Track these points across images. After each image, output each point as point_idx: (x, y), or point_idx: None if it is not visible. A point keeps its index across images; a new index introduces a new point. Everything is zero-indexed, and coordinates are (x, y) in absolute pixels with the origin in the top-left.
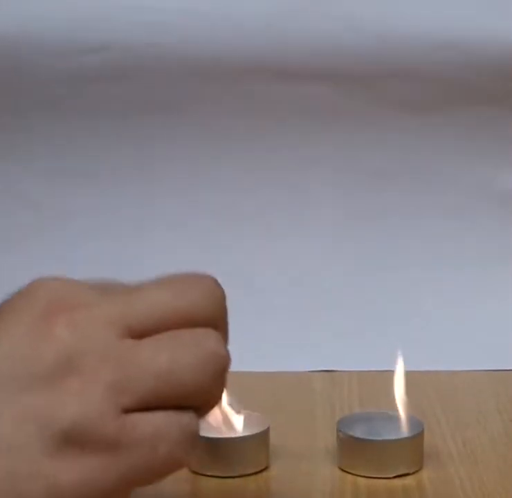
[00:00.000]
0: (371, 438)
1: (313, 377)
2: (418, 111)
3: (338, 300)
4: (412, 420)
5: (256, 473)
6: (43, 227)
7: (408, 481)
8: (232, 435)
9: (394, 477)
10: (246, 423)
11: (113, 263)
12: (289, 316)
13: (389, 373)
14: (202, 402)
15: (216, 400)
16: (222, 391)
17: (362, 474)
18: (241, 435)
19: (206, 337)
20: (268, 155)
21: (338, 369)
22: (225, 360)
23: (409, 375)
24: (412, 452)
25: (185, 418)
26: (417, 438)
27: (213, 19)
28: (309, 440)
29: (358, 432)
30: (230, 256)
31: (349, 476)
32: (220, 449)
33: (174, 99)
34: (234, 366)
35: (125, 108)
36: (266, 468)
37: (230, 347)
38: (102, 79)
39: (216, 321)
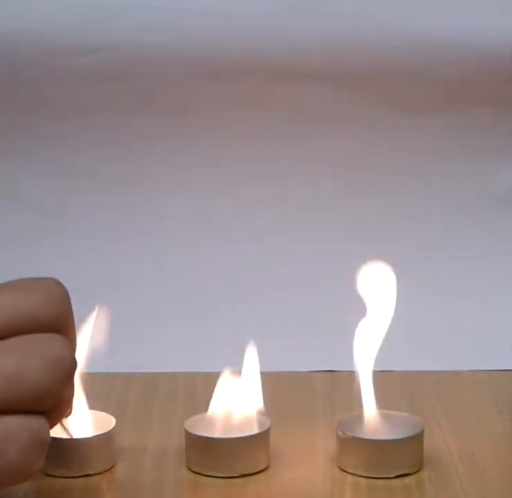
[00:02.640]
0: (371, 438)
1: (313, 377)
2: (418, 111)
3: (339, 300)
4: (412, 420)
5: (256, 473)
6: (43, 227)
7: (408, 481)
8: (231, 435)
9: (394, 477)
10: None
11: (113, 264)
12: (289, 316)
13: (389, 373)
14: (51, 406)
15: (66, 404)
16: (72, 395)
17: (362, 474)
18: (240, 435)
19: (50, 340)
20: (268, 154)
21: (338, 369)
22: (71, 364)
23: (409, 375)
24: (412, 452)
25: (35, 423)
26: (417, 438)
27: (213, 19)
28: (309, 440)
29: (358, 432)
30: (229, 256)
31: (349, 476)
32: (219, 449)
33: (173, 99)
34: (235, 367)
35: (125, 109)
36: (266, 468)
37: (232, 347)
38: (101, 79)
39: (60, 322)
